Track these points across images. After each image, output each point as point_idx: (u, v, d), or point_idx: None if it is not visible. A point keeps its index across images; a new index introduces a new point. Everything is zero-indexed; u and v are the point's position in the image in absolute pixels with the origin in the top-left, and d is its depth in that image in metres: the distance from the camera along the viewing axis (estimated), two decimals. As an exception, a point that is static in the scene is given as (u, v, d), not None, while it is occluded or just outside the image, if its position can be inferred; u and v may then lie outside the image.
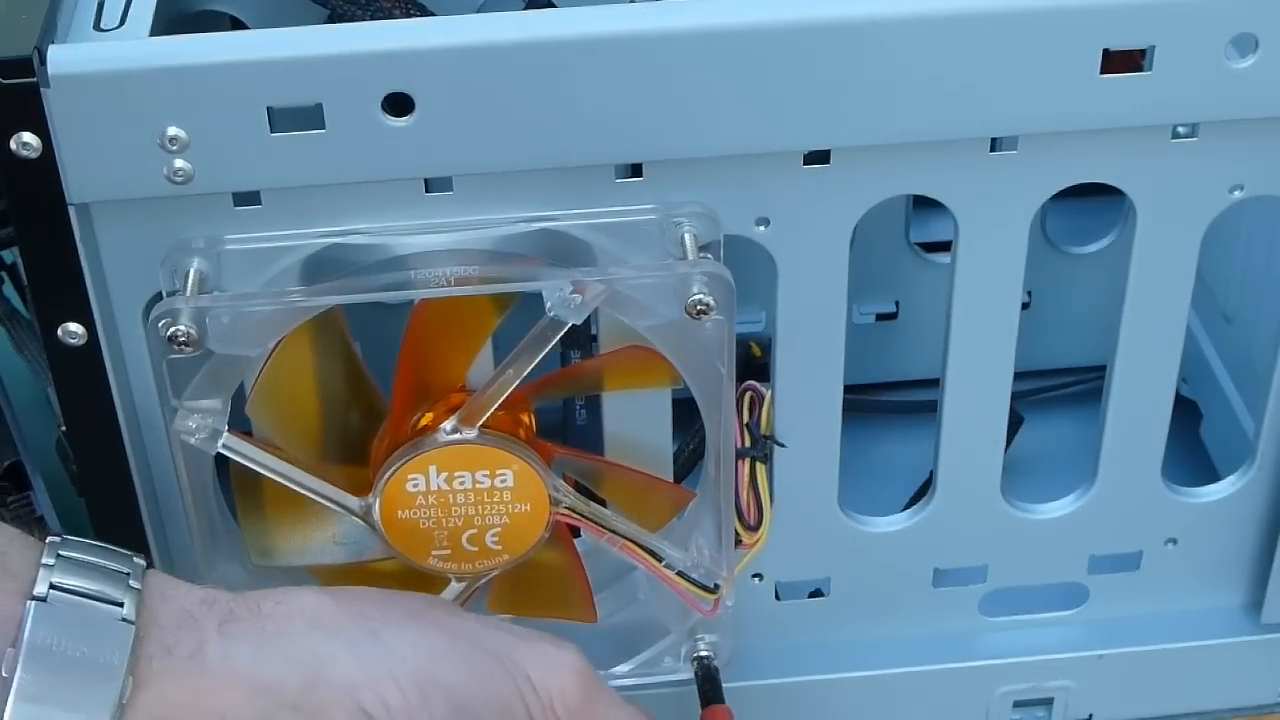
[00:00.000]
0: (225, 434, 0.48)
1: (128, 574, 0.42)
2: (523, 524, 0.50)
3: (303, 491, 0.50)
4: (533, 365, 0.48)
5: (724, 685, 0.57)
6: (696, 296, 0.47)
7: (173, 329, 0.46)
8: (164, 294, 0.47)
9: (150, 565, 0.43)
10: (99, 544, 0.43)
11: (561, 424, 0.62)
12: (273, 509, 0.51)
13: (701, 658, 0.55)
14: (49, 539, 0.42)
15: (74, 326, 0.48)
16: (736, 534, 0.53)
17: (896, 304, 0.70)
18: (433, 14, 0.59)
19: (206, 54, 0.45)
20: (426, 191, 0.48)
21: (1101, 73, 0.47)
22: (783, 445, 0.54)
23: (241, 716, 0.41)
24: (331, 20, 0.58)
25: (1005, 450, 0.56)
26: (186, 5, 0.59)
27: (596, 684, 0.47)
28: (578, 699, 0.46)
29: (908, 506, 0.58)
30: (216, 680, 0.41)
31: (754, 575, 0.57)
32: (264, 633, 0.42)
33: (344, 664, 0.42)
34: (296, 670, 0.42)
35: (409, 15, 0.57)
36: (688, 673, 0.55)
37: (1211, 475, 0.61)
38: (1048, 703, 0.60)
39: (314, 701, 0.42)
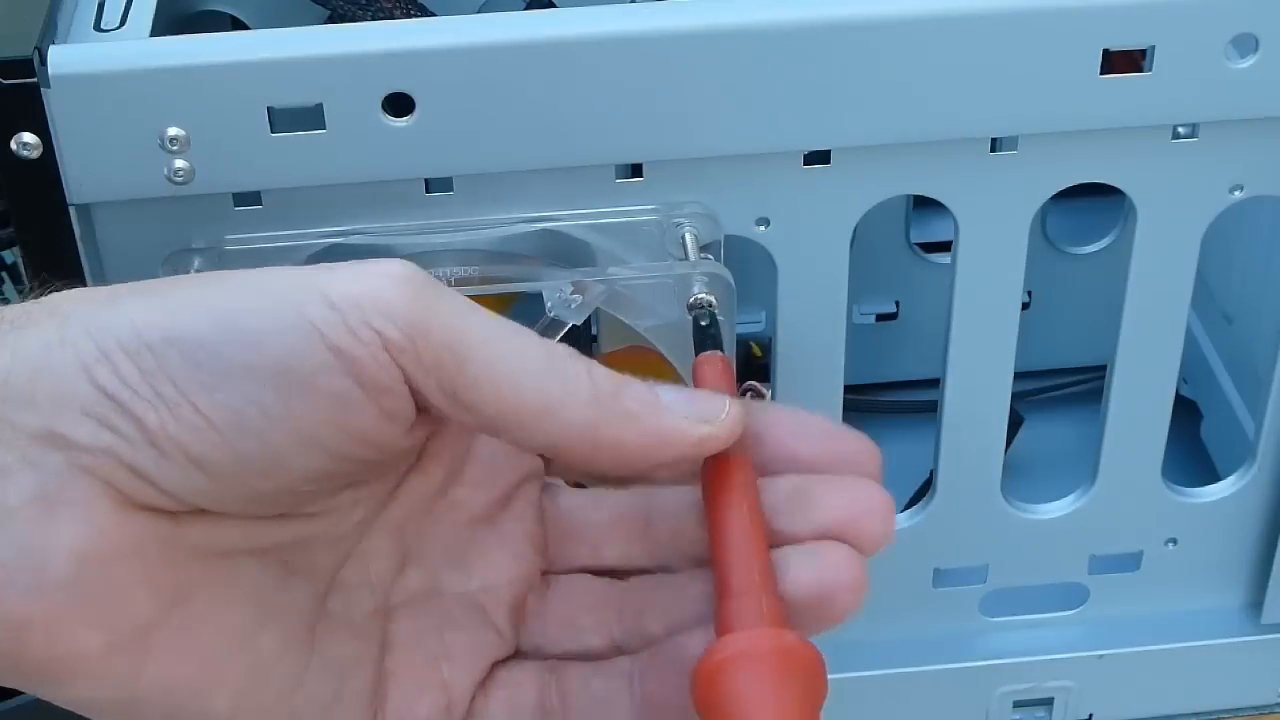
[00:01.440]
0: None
1: None
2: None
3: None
4: (533, 365, 0.48)
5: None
6: (698, 297, 0.47)
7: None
8: (164, 294, 0.47)
9: None
10: None
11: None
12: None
13: (700, 301, 0.47)
14: None
15: (74, 327, 0.48)
16: (737, 534, 0.53)
17: (896, 304, 0.70)
18: (433, 14, 0.59)
19: (207, 54, 0.45)
20: (427, 191, 0.48)
21: (1101, 73, 0.47)
22: (783, 445, 0.54)
23: None
24: (332, 20, 0.58)
25: (1005, 450, 0.56)
26: (186, 5, 0.59)
27: (427, 287, 0.36)
28: (405, 307, 0.35)
29: (908, 506, 0.58)
30: None
31: (754, 575, 0.57)
32: None
33: (75, 344, 0.35)
34: (22, 363, 0.35)
35: (409, 15, 0.57)
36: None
37: (1211, 475, 0.61)
38: (1048, 703, 0.60)
39: (47, 392, 0.35)
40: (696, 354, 0.44)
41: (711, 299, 0.47)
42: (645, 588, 0.42)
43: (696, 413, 0.39)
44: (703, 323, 0.46)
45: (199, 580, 0.36)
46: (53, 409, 0.34)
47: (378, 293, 0.35)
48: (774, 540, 0.39)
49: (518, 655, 0.42)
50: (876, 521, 0.39)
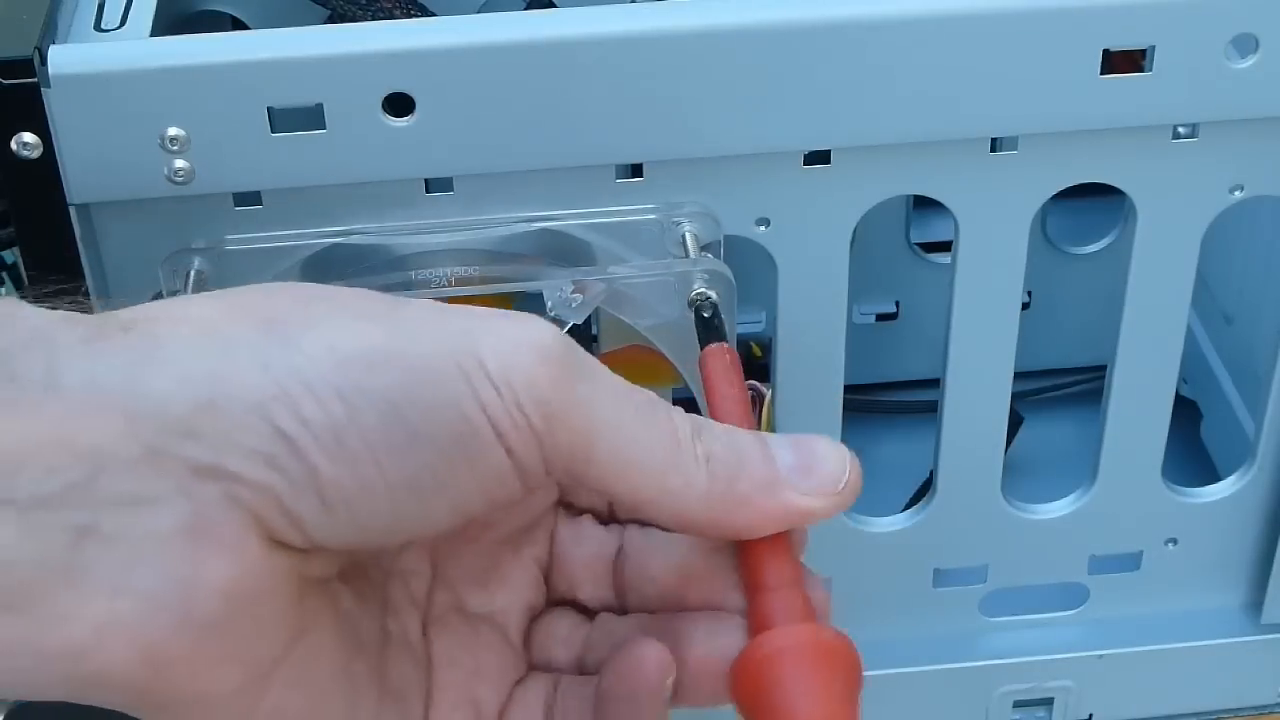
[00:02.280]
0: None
1: None
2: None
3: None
4: (533, 365, 0.48)
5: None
6: (698, 291, 0.47)
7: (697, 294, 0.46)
8: (165, 294, 0.47)
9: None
10: None
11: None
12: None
13: (701, 295, 0.47)
14: None
15: (74, 326, 0.48)
16: (737, 534, 0.53)
17: (896, 304, 0.70)
18: (433, 14, 0.59)
19: (207, 54, 0.45)
20: (427, 191, 0.48)
21: (1102, 73, 0.47)
22: (783, 445, 0.54)
23: (122, 450, 0.32)
24: (332, 20, 0.58)
25: (1005, 450, 0.56)
26: (186, 5, 0.59)
27: (570, 366, 0.35)
28: (549, 391, 0.35)
29: (908, 506, 0.58)
30: (80, 407, 0.32)
31: (754, 575, 0.57)
32: (141, 348, 0.33)
33: (248, 376, 0.33)
34: (187, 388, 0.33)
35: (409, 15, 0.57)
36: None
37: (1211, 475, 0.61)
38: (1048, 703, 0.60)
39: (214, 425, 0.33)
40: (701, 347, 0.44)
41: (711, 293, 0.47)
42: (598, 626, 0.42)
43: (816, 485, 0.38)
44: (705, 314, 0.46)
45: (314, 612, 0.36)
46: (219, 444, 0.33)
47: (529, 372, 0.35)
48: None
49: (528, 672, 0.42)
50: None
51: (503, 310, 0.36)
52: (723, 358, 0.43)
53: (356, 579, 0.38)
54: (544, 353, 0.35)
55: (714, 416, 0.41)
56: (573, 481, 0.37)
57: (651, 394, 0.37)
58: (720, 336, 0.45)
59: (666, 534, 0.40)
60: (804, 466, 0.38)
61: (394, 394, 0.34)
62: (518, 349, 0.35)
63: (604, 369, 0.36)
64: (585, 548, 0.42)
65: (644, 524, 0.41)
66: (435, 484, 0.35)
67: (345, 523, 0.34)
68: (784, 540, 0.38)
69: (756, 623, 0.38)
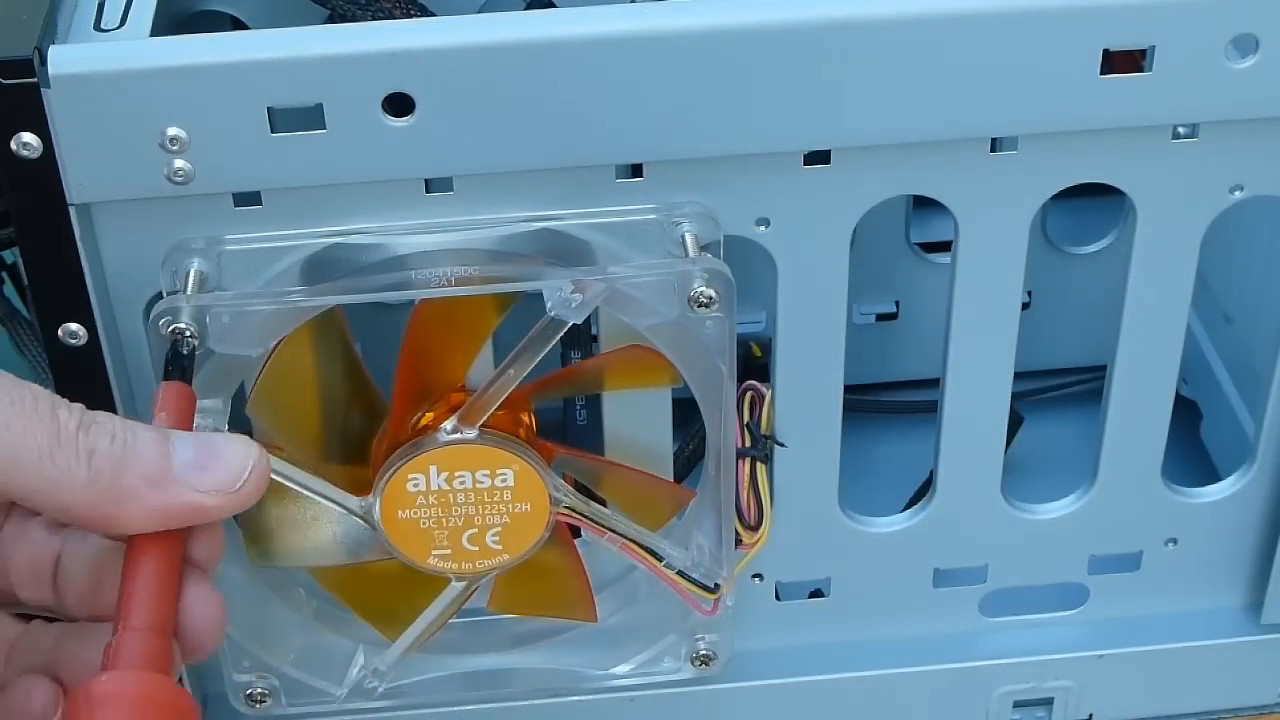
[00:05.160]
0: (225, 434, 0.48)
1: None
2: (523, 524, 0.51)
3: (303, 491, 0.50)
4: (533, 365, 0.48)
5: (724, 685, 0.57)
6: (699, 289, 0.47)
7: (173, 328, 0.46)
8: (164, 294, 0.47)
9: None
10: None
11: (561, 424, 0.63)
12: (272, 509, 0.51)
13: (179, 330, 0.46)
14: None
15: (74, 327, 0.48)
16: (737, 534, 0.53)
17: (896, 304, 0.70)
18: (433, 14, 0.59)
19: (207, 54, 0.45)
20: (427, 191, 0.48)
21: (1101, 73, 0.47)
22: (783, 445, 0.54)
23: None
24: (332, 20, 0.58)
25: (1005, 450, 0.56)
26: (186, 5, 0.59)
27: None
28: None
29: (908, 506, 0.58)
30: None
31: (754, 575, 0.57)
32: None
33: None
34: None
35: (409, 15, 0.57)
36: (688, 672, 0.56)
37: (1211, 475, 0.61)
38: (1048, 703, 0.60)
39: None
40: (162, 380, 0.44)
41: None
42: (28, 632, 0.42)
43: (211, 482, 0.39)
44: (182, 350, 0.45)
45: None
46: None
47: None
48: None
49: None
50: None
51: None
52: (171, 390, 0.43)
53: None
54: None
55: None
56: None
57: (38, 389, 0.39)
58: (182, 375, 0.45)
59: (87, 536, 0.41)
60: (202, 464, 0.39)
61: None
62: None
63: None
64: (27, 548, 0.42)
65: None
66: None
67: None
68: (159, 582, 0.39)
69: (105, 659, 0.38)
